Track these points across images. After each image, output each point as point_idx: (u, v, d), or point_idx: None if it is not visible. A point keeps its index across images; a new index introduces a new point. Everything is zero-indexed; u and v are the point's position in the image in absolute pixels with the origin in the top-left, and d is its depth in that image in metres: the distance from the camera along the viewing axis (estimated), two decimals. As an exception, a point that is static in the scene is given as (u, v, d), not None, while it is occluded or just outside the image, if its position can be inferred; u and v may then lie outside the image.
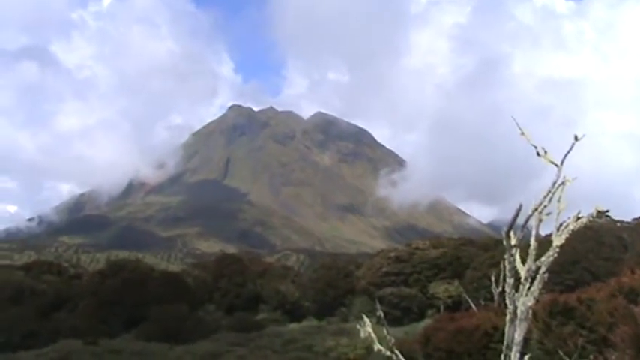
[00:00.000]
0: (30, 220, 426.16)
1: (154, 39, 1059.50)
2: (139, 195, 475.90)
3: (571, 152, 6.89)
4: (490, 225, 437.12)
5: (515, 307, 6.46)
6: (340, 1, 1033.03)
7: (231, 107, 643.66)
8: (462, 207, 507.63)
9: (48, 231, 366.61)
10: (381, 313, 9.44)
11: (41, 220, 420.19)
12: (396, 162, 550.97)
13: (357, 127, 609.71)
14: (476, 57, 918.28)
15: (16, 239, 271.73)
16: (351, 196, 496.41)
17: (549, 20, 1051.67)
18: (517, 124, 7.04)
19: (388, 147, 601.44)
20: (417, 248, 60.92)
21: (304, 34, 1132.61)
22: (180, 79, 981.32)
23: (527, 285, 6.49)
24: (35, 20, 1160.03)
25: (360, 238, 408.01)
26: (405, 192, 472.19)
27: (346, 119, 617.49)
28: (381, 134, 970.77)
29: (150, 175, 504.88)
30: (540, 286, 6.50)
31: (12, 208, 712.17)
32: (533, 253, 6.55)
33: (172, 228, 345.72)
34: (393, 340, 7.28)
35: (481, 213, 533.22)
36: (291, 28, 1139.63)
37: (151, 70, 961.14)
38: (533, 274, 6.54)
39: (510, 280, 6.58)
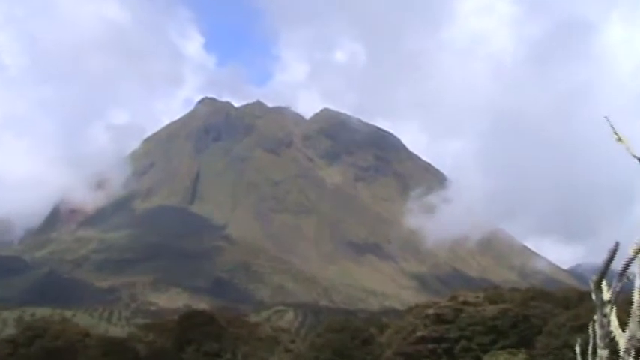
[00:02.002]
0: None
1: (89, 2, 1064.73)
2: (68, 227, 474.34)
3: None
4: (572, 271, 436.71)
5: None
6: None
7: (201, 101, 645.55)
8: (529, 244, 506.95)
9: None
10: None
11: None
12: (434, 179, 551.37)
13: (378, 129, 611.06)
14: (548, 26, 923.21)
15: None
16: (370, 227, 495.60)
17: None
18: (612, 126, 6.39)
19: (424, 158, 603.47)
20: (465, 303, 60.39)
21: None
22: (127, 59, 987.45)
23: (629, 359, 6.16)
24: None
25: (385, 287, 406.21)
26: (447, 222, 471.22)
27: (364, 119, 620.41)
28: (413, 140, 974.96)
29: (84, 198, 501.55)
30: None
31: None
32: (637, 313, 6.14)
33: (116, 274, 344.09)
34: None
35: (558, 253, 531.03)
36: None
37: (83, 46, 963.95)
38: (637, 344, 6.13)
39: (604, 352, 6.32)
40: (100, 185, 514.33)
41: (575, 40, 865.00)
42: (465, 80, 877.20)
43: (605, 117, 6.56)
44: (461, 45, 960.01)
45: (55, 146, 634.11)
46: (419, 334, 57.98)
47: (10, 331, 70.39)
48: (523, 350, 50.71)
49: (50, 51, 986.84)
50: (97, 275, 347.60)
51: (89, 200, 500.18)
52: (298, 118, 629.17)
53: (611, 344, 6.41)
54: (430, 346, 55.95)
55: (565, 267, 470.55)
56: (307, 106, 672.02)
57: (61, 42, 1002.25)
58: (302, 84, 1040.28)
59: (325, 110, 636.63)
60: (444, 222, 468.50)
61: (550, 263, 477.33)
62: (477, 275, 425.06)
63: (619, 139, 6.36)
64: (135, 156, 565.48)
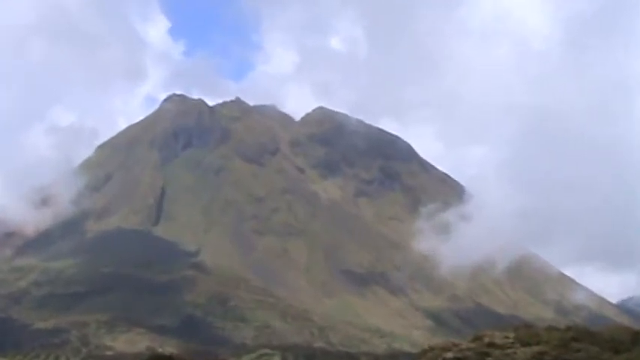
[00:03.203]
0: None
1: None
2: (4, 254, 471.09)
3: None
4: (621, 305, 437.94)
5: None
6: None
7: (168, 99, 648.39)
8: (569, 273, 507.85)
9: None
10: None
11: None
12: (451, 192, 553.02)
13: (384, 133, 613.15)
14: (591, 4, 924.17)
15: None
16: (375, 252, 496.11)
17: None
18: None
19: (439, 167, 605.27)
20: (491, 345, 60.12)
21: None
22: (73, 47, 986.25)
23: None
24: None
25: (392, 325, 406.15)
26: (466, 244, 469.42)
27: (366, 120, 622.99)
28: (426, 145, 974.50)
29: (23, 218, 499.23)
30: None
31: None
32: None
33: (63, 312, 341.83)
34: None
35: (605, 284, 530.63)
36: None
37: (19, 31, 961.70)
38: None
39: None
40: (43, 202, 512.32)
41: (625, 21, 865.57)
42: (489, 73, 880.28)
43: None
44: (483, 30, 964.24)
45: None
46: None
47: None
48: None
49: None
50: (40, 313, 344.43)
51: (30, 220, 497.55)
52: (286, 119, 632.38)
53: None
54: (449, 398, 55.54)
55: (613, 300, 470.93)
56: (297, 105, 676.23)
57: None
58: (290, 77, 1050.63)
59: (319, 109, 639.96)
60: (463, 245, 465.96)
61: (594, 296, 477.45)
62: (506, 311, 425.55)
63: None
64: (86, 166, 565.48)
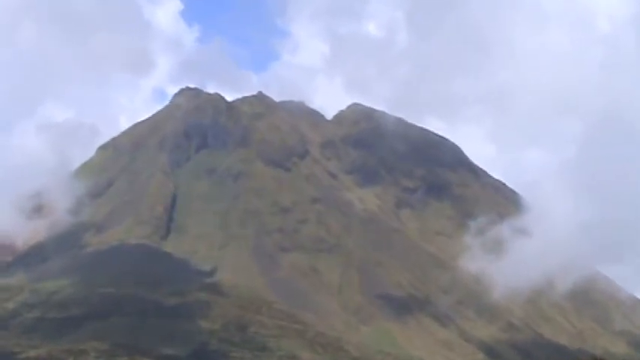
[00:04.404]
0: None
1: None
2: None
3: None
4: None
5: None
6: None
7: (180, 93, 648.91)
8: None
9: None
10: None
11: None
12: (506, 203, 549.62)
13: (429, 134, 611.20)
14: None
15: None
16: (418, 272, 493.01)
17: None
18: None
19: (492, 174, 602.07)
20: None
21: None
22: (70, 32, 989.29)
23: None
24: None
25: (438, 358, 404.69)
26: (523, 263, 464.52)
27: (407, 119, 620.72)
28: (478, 149, 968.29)
29: (13, 229, 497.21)
30: None
31: None
32: None
33: (56, 339, 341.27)
34: None
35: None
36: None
37: (6, 14, 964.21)
38: None
39: None
40: (36, 211, 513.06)
41: None
42: (549, 63, 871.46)
43: None
44: (543, 12, 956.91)
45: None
46: None
47: None
48: None
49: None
50: (30, 340, 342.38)
51: (20, 232, 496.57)
52: (316, 117, 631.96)
53: None
54: None
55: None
56: (328, 101, 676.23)
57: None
58: (320, 69, 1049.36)
59: (354, 106, 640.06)
60: (519, 264, 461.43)
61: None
62: (570, 343, 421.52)
63: None
64: (86, 170, 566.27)
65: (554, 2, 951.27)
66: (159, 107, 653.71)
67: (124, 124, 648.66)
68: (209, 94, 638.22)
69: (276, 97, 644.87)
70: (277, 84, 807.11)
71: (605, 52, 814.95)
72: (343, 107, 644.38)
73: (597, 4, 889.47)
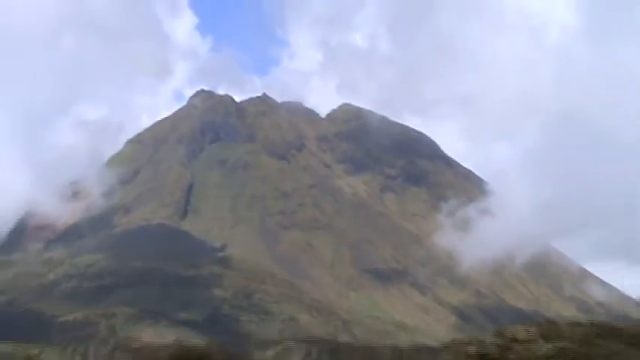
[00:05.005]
0: None
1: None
2: (34, 247, 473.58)
3: None
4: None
5: None
6: None
7: (195, 95, 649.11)
8: (591, 269, 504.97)
9: None
10: None
11: None
12: (474, 188, 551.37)
13: (409, 129, 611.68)
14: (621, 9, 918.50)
15: None
16: (400, 248, 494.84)
17: None
18: None
19: (464, 164, 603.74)
20: (514, 340, 59.58)
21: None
22: (101, 42, 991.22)
23: None
24: None
25: (416, 320, 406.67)
26: (488, 239, 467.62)
27: (391, 116, 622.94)
28: (451, 142, 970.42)
29: (54, 211, 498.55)
30: None
31: None
32: None
33: (91, 304, 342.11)
34: None
35: (628, 280, 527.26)
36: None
37: (46, 26, 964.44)
38: None
39: None
40: (74, 196, 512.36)
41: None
42: (512, 68, 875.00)
43: None
44: (506, 23, 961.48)
45: (18, 148, 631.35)
46: (458, 377, 57.10)
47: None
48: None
49: (8, 34, 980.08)
50: (69, 305, 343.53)
51: (61, 214, 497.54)
52: (311, 115, 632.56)
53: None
54: (471, 392, 55.04)
55: (635, 297, 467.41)
56: (322, 101, 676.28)
57: (21, 23, 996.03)
58: (314, 73, 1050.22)
59: (344, 106, 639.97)
60: (484, 240, 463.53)
61: (617, 293, 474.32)
62: (528, 307, 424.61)
63: None
64: (116, 161, 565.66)
65: (516, 16, 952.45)
66: (177, 107, 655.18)
67: (148, 121, 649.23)
68: (220, 96, 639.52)
69: (278, 98, 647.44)
70: (278, 87, 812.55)
71: (559, 59, 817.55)
72: (335, 107, 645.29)
73: (552, 18, 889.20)
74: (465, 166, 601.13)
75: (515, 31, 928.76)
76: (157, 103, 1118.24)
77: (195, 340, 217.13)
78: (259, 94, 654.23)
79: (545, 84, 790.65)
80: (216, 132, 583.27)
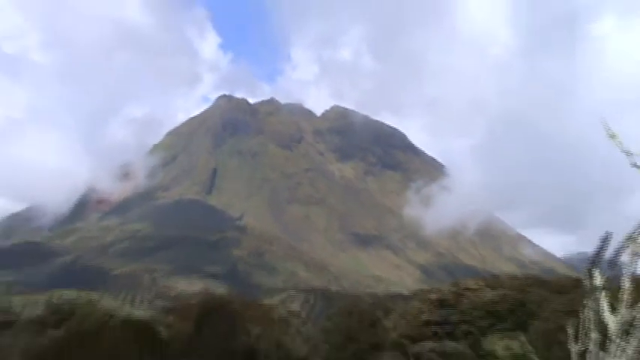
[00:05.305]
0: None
1: (112, 4, 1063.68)
2: (94, 216, 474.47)
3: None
4: (566, 259, 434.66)
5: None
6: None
7: (219, 98, 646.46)
8: (526, 233, 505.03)
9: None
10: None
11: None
12: (435, 172, 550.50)
13: (386, 126, 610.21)
14: (544, 21, 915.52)
15: None
16: (378, 218, 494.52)
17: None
18: (605, 123, 6.27)
19: (428, 153, 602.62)
20: (466, 289, 60.25)
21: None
22: (146, 57, 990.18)
23: (619, 342, 6.13)
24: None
25: (391, 274, 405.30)
26: (446, 211, 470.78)
27: (372, 115, 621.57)
28: (418, 136, 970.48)
29: (110, 188, 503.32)
30: (637, 345, 6.11)
31: None
32: (627, 298, 6.19)
33: (138, 261, 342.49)
34: None
35: (553, 242, 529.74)
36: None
37: (106, 45, 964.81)
38: (626, 328, 6.18)
39: (595, 336, 6.31)
40: (125, 176, 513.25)
41: (570, 37, 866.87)
42: (464, 78, 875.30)
43: (600, 117, 6.55)
44: (462, 43, 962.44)
45: (81, 139, 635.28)
46: (423, 317, 57.93)
47: (40, 312, 70.49)
48: (520, 334, 50.67)
49: (75, 50, 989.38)
50: (120, 262, 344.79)
51: (115, 191, 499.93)
52: (309, 114, 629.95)
53: (602, 328, 6.46)
54: (433, 328, 55.94)
55: (559, 255, 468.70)
56: (317, 103, 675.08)
57: (84, 41, 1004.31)
58: (312, 82, 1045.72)
59: (335, 107, 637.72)
60: (443, 212, 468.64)
61: (545, 252, 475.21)
62: (478, 265, 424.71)
63: (612, 136, 6.31)
64: (158, 149, 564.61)
65: (468, 37, 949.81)
66: (204, 108, 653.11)
67: (182, 118, 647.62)
68: (237, 99, 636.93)
69: (282, 101, 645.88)
70: (283, 92, 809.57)
71: (500, 72, 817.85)
72: (327, 108, 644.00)
73: (495, 38, 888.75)
74: (429, 154, 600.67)
75: (467, 50, 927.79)
76: (188, 105, 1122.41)
77: (218, 289, 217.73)
78: (268, 98, 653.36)
79: (490, 91, 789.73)
80: (235, 127, 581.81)
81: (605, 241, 6.00)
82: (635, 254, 6.10)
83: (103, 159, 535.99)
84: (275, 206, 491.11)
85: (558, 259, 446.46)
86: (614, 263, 6.24)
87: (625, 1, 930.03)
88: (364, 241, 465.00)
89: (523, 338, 49.61)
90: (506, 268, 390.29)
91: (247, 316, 59.50)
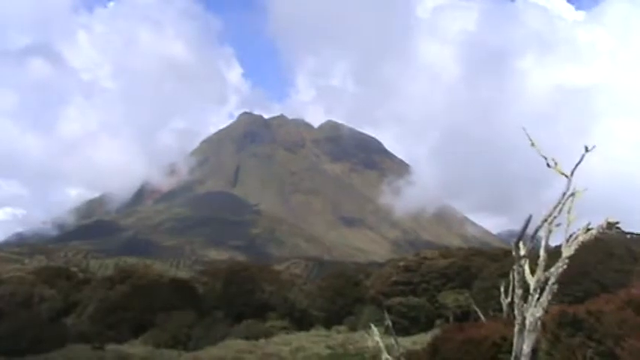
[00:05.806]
0: (42, 223, 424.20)
1: (160, 41, 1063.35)
2: (149, 202, 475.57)
3: (581, 163, 6.73)
4: (499, 235, 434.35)
5: (524, 318, 6.30)
6: (343, 8, 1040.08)
7: (242, 114, 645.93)
8: (470, 216, 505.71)
9: (58, 236, 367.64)
10: (389, 322, 9.50)
11: (52, 224, 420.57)
12: (403, 170, 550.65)
13: (366, 135, 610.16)
14: (485, 64, 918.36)
15: (26, 243, 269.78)
16: (360, 205, 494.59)
17: (560, 27, 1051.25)
18: (527, 134, 6.80)
19: (398, 156, 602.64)
20: (425, 258, 60.46)
21: (309, 38, 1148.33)
22: (187, 83, 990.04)
23: (536, 296, 6.32)
24: (39, 21, 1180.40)
25: (369, 247, 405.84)
26: (410, 199, 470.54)
27: (356, 127, 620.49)
28: (391, 143, 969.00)
29: (160, 182, 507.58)
30: (549, 298, 6.30)
31: (20, 212, 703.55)
32: (543, 264, 6.41)
33: (181, 236, 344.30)
34: (401, 350, 7.24)
35: (490, 223, 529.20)
36: (296, 35, 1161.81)
37: (157, 74, 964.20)
38: (542, 285, 6.39)
39: (519, 291, 6.44)
40: (171, 173, 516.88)
41: (503, 76, 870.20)
42: (423, 99, 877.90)
43: (523, 128, 6.95)
44: (419, 70, 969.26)
45: (139, 144, 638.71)
46: (393, 279, 58.29)
47: (110, 273, 71.05)
48: (465, 291, 51.10)
49: (135, 78, 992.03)
50: (168, 236, 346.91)
51: (164, 184, 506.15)
52: (309, 127, 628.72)
53: (525, 286, 6.67)
54: (401, 287, 56.31)
55: (494, 232, 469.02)
56: (315, 118, 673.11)
57: (142, 71, 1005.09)
58: (311, 102, 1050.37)
59: (328, 121, 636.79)
60: (408, 199, 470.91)
61: (484, 230, 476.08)
62: (434, 240, 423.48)
63: (532, 144, 6.82)
64: (195, 153, 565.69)
65: (424, 67, 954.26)
66: (230, 122, 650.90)
67: (213, 130, 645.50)
68: (255, 115, 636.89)
69: (289, 116, 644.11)
70: (289, 110, 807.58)
71: (449, 93, 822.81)
72: (323, 122, 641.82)
73: (444, 68, 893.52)
74: (398, 156, 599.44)
75: (425, 76, 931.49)
76: (218, 119, 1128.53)
77: (240, 257, 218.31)
78: (278, 114, 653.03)
79: (441, 108, 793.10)
80: (253, 137, 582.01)
81: (527, 221, 6.18)
82: (548, 232, 6.41)
83: (155, 160, 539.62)
84: (283, 196, 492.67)
85: (494, 236, 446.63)
86: (533, 238, 6.48)
87: (543, 43, 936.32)
88: (349, 222, 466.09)
89: (467, 294, 49.95)
90: (455, 242, 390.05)
91: (262, 278, 59.87)
